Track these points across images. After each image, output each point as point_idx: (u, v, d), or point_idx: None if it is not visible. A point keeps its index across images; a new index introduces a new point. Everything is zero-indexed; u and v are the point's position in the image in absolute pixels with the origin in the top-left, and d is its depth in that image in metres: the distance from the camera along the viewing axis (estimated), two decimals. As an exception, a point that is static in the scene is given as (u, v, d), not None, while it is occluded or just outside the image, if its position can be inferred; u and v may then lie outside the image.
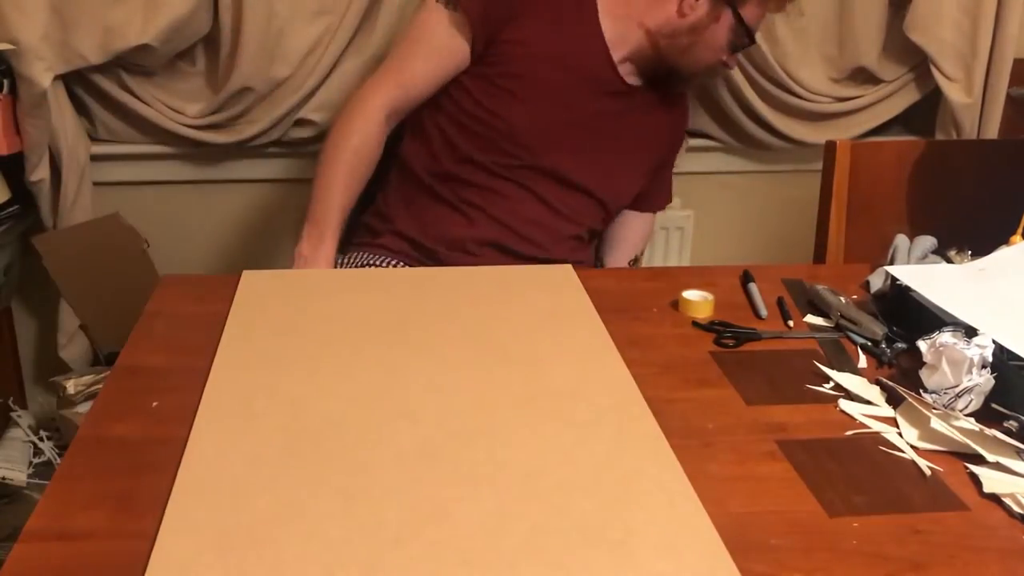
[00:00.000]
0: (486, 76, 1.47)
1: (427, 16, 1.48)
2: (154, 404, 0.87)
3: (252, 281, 1.13)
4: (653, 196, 1.70)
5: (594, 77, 1.50)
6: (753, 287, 1.16)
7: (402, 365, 0.94)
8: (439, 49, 1.47)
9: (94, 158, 1.79)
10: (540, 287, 1.13)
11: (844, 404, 0.92)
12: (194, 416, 0.84)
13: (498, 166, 1.47)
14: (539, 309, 1.07)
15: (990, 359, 0.88)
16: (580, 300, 1.10)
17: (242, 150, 1.83)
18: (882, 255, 1.25)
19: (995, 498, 0.78)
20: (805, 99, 1.95)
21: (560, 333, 1.02)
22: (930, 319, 0.99)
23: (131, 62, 1.72)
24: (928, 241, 1.24)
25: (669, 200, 1.75)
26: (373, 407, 0.87)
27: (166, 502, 0.72)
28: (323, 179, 1.43)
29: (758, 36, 1.84)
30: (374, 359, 0.96)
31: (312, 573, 0.65)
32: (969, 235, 1.22)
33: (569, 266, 1.20)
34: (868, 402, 0.92)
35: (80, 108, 1.76)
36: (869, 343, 1.04)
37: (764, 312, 1.11)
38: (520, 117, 1.46)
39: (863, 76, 2.00)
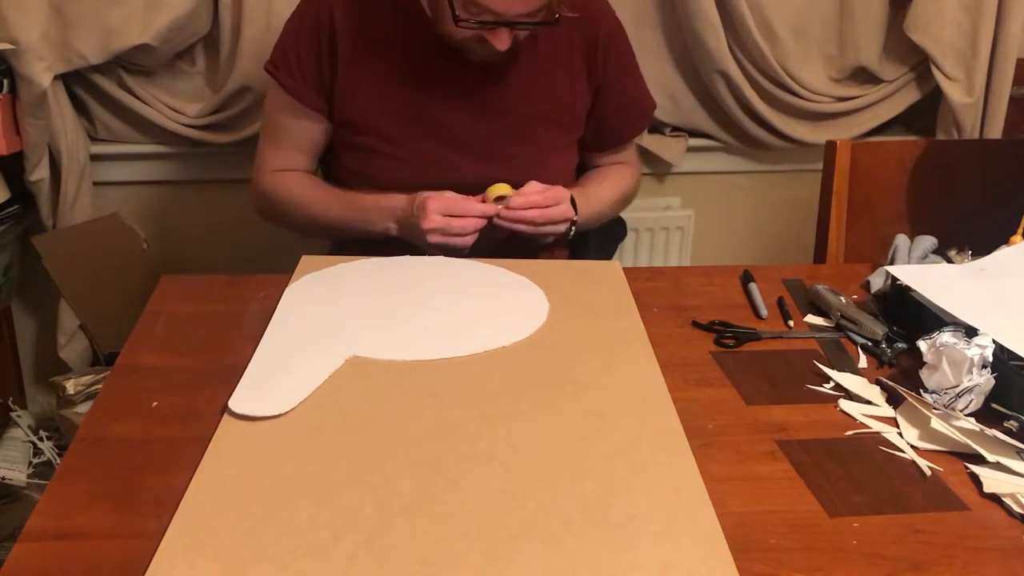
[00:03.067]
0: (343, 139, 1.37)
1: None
2: (154, 404, 0.87)
3: (308, 263, 1.17)
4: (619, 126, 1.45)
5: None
6: (753, 287, 1.16)
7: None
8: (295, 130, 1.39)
9: (94, 158, 1.79)
10: (583, 281, 1.14)
11: (844, 404, 0.92)
12: (195, 415, 0.84)
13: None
14: (579, 303, 1.08)
15: (990, 359, 0.88)
16: (622, 296, 1.11)
17: (242, 150, 1.82)
18: (882, 255, 1.25)
19: (995, 498, 0.78)
20: (805, 99, 1.95)
21: (596, 327, 1.03)
22: (930, 319, 0.99)
23: (131, 62, 1.72)
24: (928, 241, 1.24)
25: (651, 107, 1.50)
26: (400, 387, 0.89)
27: (166, 499, 0.72)
28: (308, 207, 1.37)
29: (758, 35, 1.84)
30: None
31: (321, 536, 0.69)
32: (969, 235, 1.22)
33: (616, 262, 1.21)
34: (868, 402, 0.92)
35: (80, 108, 1.76)
36: (869, 343, 1.04)
37: (764, 312, 1.11)
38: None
39: (863, 76, 2.00)
